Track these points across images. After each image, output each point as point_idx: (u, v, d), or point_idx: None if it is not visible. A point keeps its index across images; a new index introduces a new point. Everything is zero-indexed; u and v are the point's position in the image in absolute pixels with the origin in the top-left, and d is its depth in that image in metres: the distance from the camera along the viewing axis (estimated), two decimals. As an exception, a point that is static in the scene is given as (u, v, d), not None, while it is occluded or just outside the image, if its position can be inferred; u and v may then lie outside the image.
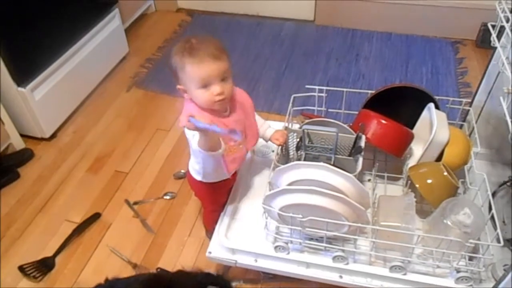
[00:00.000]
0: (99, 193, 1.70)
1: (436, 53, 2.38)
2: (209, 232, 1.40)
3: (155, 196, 1.68)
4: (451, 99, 1.42)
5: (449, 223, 1.13)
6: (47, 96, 1.83)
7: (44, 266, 1.43)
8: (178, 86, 1.13)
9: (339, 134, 1.26)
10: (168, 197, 1.67)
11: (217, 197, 1.35)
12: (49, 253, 1.47)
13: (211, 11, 2.77)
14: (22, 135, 1.85)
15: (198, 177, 1.25)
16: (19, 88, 1.72)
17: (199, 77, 1.06)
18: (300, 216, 1.12)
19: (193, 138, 1.08)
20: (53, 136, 1.93)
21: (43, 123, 1.85)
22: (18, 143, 1.83)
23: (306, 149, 1.33)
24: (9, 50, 1.63)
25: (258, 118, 1.34)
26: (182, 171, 1.72)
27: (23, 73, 1.72)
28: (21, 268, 1.42)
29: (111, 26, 2.19)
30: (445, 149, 1.28)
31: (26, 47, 1.71)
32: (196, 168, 1.24)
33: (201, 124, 0.96)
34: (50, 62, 1.83)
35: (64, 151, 1.88)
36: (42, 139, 1.90)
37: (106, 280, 0.92)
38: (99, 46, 2.10)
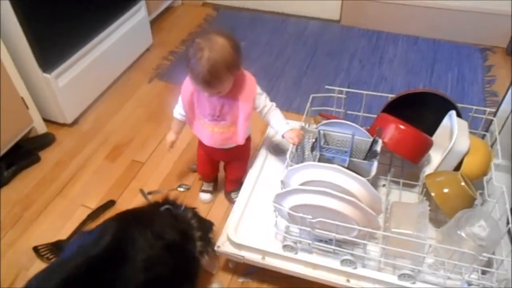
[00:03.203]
0: (115, 181, 1.72)
1: (463, 59, 2.31)
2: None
3: (169, 187, 1.69)
4: (475, 107, 1.38)
5: (463, 234, 1.10)
6: (71, 83, 1.87)
7: (58, 249, 1.46)
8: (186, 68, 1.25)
9: (355, 137, 1.25)
10: (182, 189, 1.68)
11: (200, 152, 1.53)
12: (63, 236, 1.51)
13: (237, 6, 2.77)
14: (45, 120, 1.90)
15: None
16: (44, 74, 1.75)
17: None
18: (310, 217, 1.11)
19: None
20: (75, 122, 1.97)
21: (66, 109, 1.89)
22: (41, 127, 1.88)
23: (321, 150, 1.32)
24: (36, 37, 1.66)
25: (278, 114, 1.34)
26: (195, 165, 1.73)
27: (49, 59, 1.76)
28: (36, 249, 1.46)
29: (136, 17, 2.21)
30: (465, 159, 1.25)
31: (53, 34, 1.74)
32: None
33: None
34: (76, 50, 1.87)
35: (84, 137, 1.92)
36: (64, 124, 1.94)
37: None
38: (124, 36, 2.13)
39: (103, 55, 2.02)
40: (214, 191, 1.64)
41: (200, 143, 1.46)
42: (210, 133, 1.34)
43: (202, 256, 1.22)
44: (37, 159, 1.79)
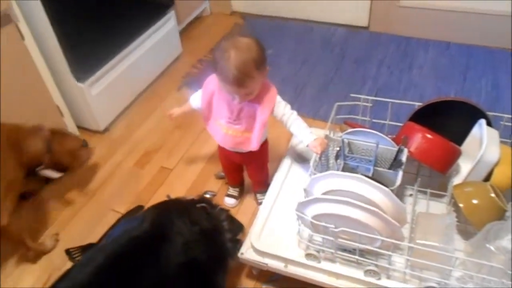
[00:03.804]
0: (144, 187, 1.77)
1: (497, 65, 2.24)
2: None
3: (196, 193, 1.72)
4: (506, 116, 1.33)
5: (492, 248, 1.07)
6: (103, 92, 1.95)
7: (89, 252, 1.52)
8: (215, 73, 1.29)
9: (380, 146, 1.23)
10: (208, 195, 1.71)
11: (220, 154, 1.58)
12: (94, 239, 1.56)
13: (264, 14, 2.80)
14: (78, 127, 1.98)
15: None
16: (78, 84, 1.83)
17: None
18: (333, 226, 1.11)
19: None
20: (106, 129, 2.04)
21: (98, 117, 1.96)
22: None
23: (345, 159, 1.31)
24: (71, 47, 1.74)
25: (300, 122, 1.34)
26: (222, 173, 1.75)
27: (83, 69, 1.84)
28: (68, 252, 1.52)
29: (166, 27, 2.28)
30: (495, 169, 1.21)
31: (86, 45, 1.82)
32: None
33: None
34: (108, 60, 1.94)
35: (115, 144, 1.98)
36: (96, 131, 2.02)
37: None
38: (154, 46, 2.20)
39: (134, 64, 2.09)
40: (240, 196, 1.66)
41: (219, 146, 1.49)
42: (223, 134, 1.37)
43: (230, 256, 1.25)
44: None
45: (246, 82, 1.19)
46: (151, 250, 1.05)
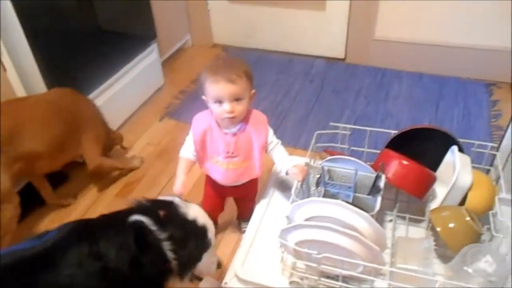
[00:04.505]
0: (125, 218, 1.75)
1: (468, 94, 2.35)
2: None
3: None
4: (477, 142, 1.39)
5: (469, 270, 1.09)
6: (85, 122, 1.95)
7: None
8: (203, 97, 1.30)
9: (359, 173, 1.27)
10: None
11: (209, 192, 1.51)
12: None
13: (245, 46, 2.88)
14: (59, 158, 1.96)
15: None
16: (60, 114, 1.83)
17: (213, 94, 1.23)
18: (316, 252, 1.12)
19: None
20: (88, 160, 2.03)
21: (80, 148, 1.95)
22: (55, 166, 1.94)
23: (326, 186, 1.34)
24: (55, 78, 1.75)
25: (282, 151, 1.37)
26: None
27: (65, 100, 1.84)
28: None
29: (149, 59, 2.32)
30: (469, 194, 1.26)
31: (69, 76, 1.83)
32: None
33: None
34: (91, 91, 1.96)
35: (96, 174, 1.97)
36: (77, 162, 2.00)
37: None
38: (136, 77, 2.23)
39: (116, 95, 2.11)
40: (216, 233, 1.62)
41: (208, 181, 1.47)
42: (224, 171, 1.34)
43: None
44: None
45: (236, 79, 1.20)
46: (31, 275, 0.92)
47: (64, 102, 1.64)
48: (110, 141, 1.94)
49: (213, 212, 1.57)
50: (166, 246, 1.02)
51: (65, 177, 1.95)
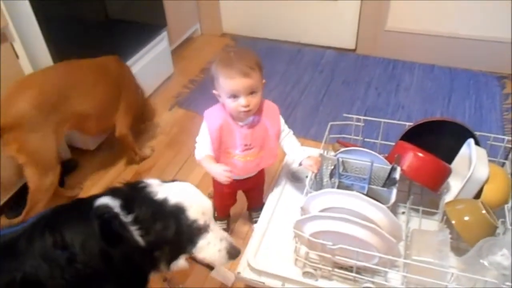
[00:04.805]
0: (136, 206, 1.76)
1: (481, 87, 2.33)
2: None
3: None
4: (493, 135, 1.38)
5: (485, 263, 1.09)
6: (96, 111, 1.94)
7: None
8: (214, 91, 1.27)
9: (374, 165, 1.26)
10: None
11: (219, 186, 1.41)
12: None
13: (254, 36, 2.86)
14: (69, 146, 1.96)
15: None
16: (71, 102, 1.83)
17: (229, 89, 1.21)
18: (330, 243, 1.12)
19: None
20: (98, 148, 2.03)
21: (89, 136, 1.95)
22: (66, 154, 1.94)
23: (340, 178, 1.33)
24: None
25: (294, 141, 1.36)
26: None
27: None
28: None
29: (159, 47, 2.31)
30: (484, 187, 1.25)
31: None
32: None
33: None
34: (101, 79, 1.95)
35: (106, 163, 1.97)
36: (87, 150, 2.00)
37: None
38: (146, 65, 2.21)
39: (126, 84, 2.09)
40: (228, 228, 1.61)
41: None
42: (243, 164, 1.33)
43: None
44: (61, 185, 1.84)
45: (250, 73, 1.19)
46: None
47: (111, 67, 1.75)
48: (145, 113, 2.04)
49: (227, 207, 1.57)
50: (134, 230, 0.92)
51: (75, 166, 1.95)
